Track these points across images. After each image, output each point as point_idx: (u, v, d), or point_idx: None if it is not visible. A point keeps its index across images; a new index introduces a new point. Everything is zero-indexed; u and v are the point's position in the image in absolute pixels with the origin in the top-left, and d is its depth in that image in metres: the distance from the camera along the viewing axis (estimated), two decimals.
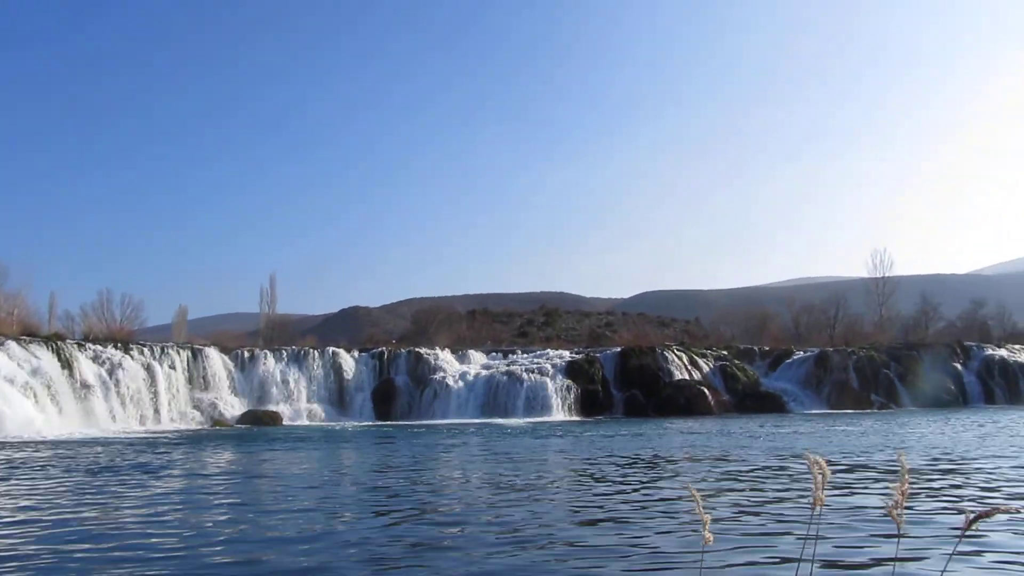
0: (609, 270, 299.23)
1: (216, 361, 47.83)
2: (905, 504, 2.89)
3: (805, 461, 2.96)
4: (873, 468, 14.84)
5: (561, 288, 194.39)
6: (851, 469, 14.68)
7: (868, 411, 50.38)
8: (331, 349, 53.15)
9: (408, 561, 7.36)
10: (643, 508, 10.35)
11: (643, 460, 17.55)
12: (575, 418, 47.44)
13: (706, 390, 51.94)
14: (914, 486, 11.91)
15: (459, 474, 15.96)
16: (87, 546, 8.23)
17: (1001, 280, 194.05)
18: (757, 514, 9.58)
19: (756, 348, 64.22)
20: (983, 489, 11.68)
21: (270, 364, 49.77)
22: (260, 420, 44.56)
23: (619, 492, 12.09)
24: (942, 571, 6.30)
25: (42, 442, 28.52)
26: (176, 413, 43.70)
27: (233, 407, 46.15)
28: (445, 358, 54.46)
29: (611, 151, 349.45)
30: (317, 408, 48.75)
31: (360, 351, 54.42)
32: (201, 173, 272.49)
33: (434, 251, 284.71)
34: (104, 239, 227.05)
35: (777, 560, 7.08)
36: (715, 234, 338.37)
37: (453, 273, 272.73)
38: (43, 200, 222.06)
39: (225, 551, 7.94)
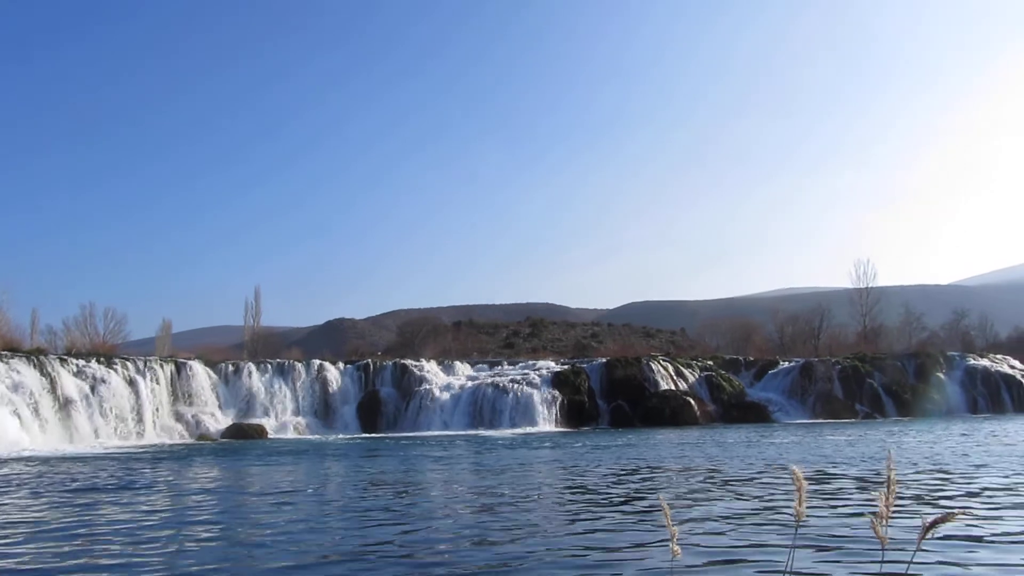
0: (595, 281, 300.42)
1: (200, 375, 47.51)
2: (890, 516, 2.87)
3: (788, 473, 2.96)
4: (857, 479, 14.88)
5: (547, 299, 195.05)
6: (835, 479, 14.71)
7: (853, 421, 50.55)
8: (316, 362, 52.91)
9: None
10: (622, 519, 10.34)
11: (626, 471, 17.53)
12: (561, 429, 47.37)
13: (692, 400, 52.03)
14: (899, 497, 11.95)
15: (447, 487, 15.90)
16: (69, 564, 8.13)
17: (983, 291, 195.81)
18: (736, 526, 9.57)
19: (741, 358, 64.46)
20: (968, 497, 11.73)
21: (255, 377, 49.47)
22: (245, 434, 44.24)
23: (599, 504, 12.08)
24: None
25: (23, 459, 28.19)
26: (160, 428, 43.35)
27: (218, 421, 45.82)
28: (431, 369, 54.33)
29: (596, 164, 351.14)
30: (302, 421, 48.47)
31: (345, 363, 54.21)
32: (185, 186, 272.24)
33: (420, 263, 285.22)
34: (87, 253, 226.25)
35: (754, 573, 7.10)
36: (700, 245, 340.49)
37: (439, 285, 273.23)
38: (26, 214, 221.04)
39: (210, 570, 7.86)
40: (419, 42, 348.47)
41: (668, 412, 50.32)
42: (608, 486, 14.90)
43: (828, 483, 14.16)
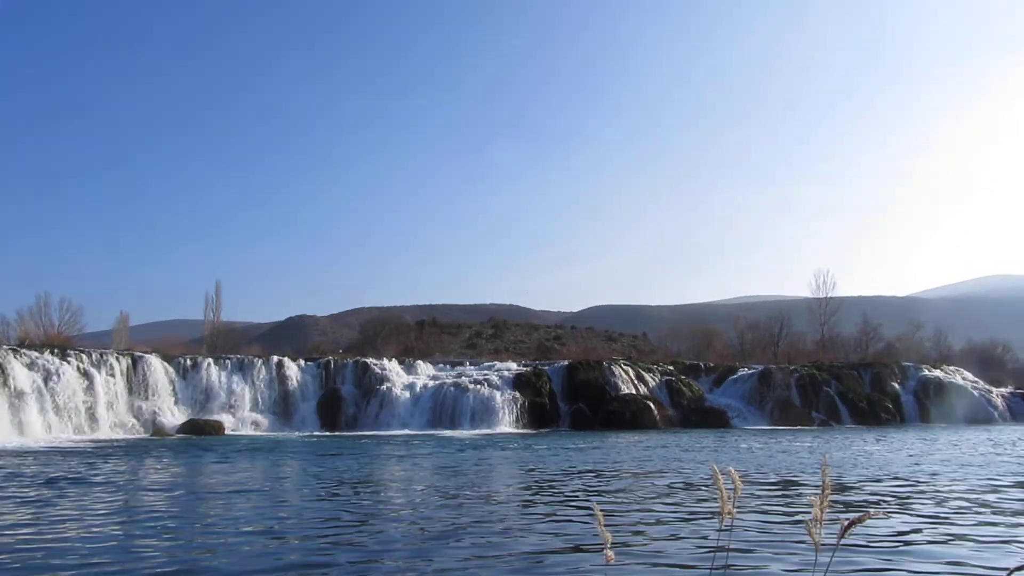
0: (559, 284, 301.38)
1: (157, 369, 46.78)
2: (826, 519, 2.90)
3: (712, 475, 2.97)
4: (805, 484, 15.12)
5: (511, 301, 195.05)
6: (786, 484, 14.93)
7: (809, 428, 51.25)
8: (276, 358, 52.37)
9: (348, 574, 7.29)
10: (568, 522, 10.39)
11: (582, 473, 17.62)
12: (522, 431, 47.43)
13: (652, 404, 52.39)
14: (844, 502, 12.17)
15: (405, 487, 15.86)
16: (14, 564, 7.99)
17: (938, 303, 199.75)
18: (675, 529, 9.68)
19: (702, 364, 65.05)
20: (920, 502, 11.97)
21: (213, 372, 48.83)
22: (202, 430, 43.66)
23: (548, 506, 12.13)
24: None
25: None
26: (115, 422, 42.60)
27: (174, 416, 45.16)
28: (392, 368, 54.07)
29: (561, 169, 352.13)
30: (261, 418, 47.94)
31: (306, 360, 53.74)
32: (147, 178, 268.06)
33: (383, 261, 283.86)
34: (44, 243, 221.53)
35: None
36: (663, 251, 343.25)
37: (402, 284, 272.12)
38: None
39: (161, 568, 7.77)
40: (390, 42, 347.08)
41: (628, 416, 50.61)
42: (561, 488, 14.97)
43: (787, 488, 14.37)
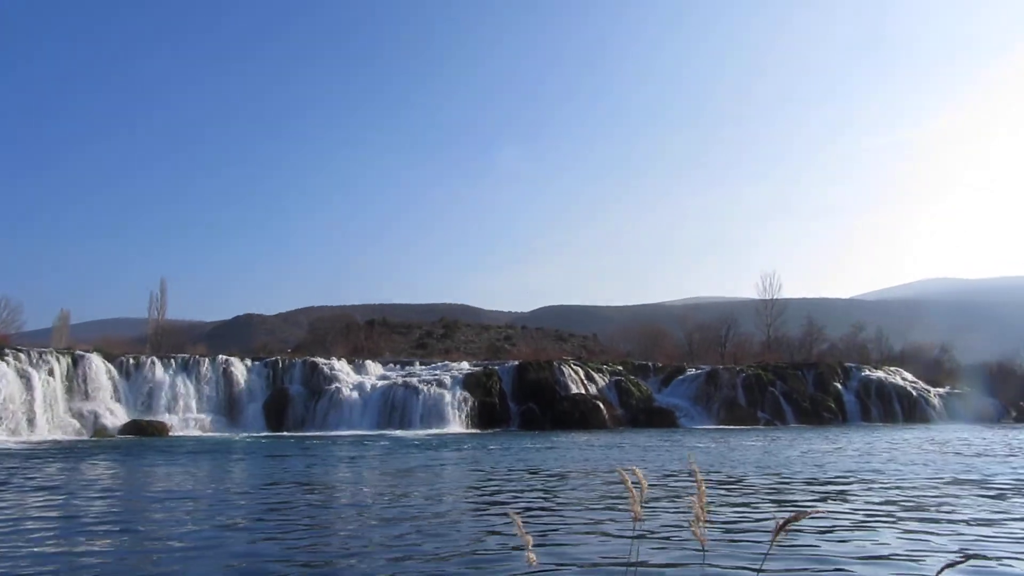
0: (510, 284, 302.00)
1: (99, 368, 45.73)
2: (706, 517, 2.92)
3: (624, 474, 2.99)
4: (748, 485, 15.38)
5: (462, 300, 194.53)
6: (730, 485, 15.16)
7: (754, 427, 52.13)
8: (223, 357, 51.57)
9: None
10: (505, 523, 10.44)
11: (527, 473, 17.69)
12: (472, 431, 47.43)
13: (601, 404, 52.79)
14: (770, 500, 12.42)
15: (352, 487, 15.75)
16: None
17: (880, 306, 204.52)
18: (593, 530, 9.77)
19: (650, 364, 65.76)
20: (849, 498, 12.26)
21: (157, 372, 47.92)
22: (145, 431, 42.80)
23: (488, 507, 12.17)
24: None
25: None
26: (54, 423, 41.49)
27: (116, 417, 44.17)
28: (341, 368, 53.64)
29: (513, 170, 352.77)
30: (206, 418, 47.17)
31: (253, 360, 53.03)
32: (89, 172, 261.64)
33: (333, 260, 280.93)
34: None
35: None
36: (615, 252, 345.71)
37: (352, 283, 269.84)
38: None
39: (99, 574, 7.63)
40: (323, 33, 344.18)
41: (578, 415, 50.93)
42: (506, 489, 15.01)
43: (728, 488, 14.59)
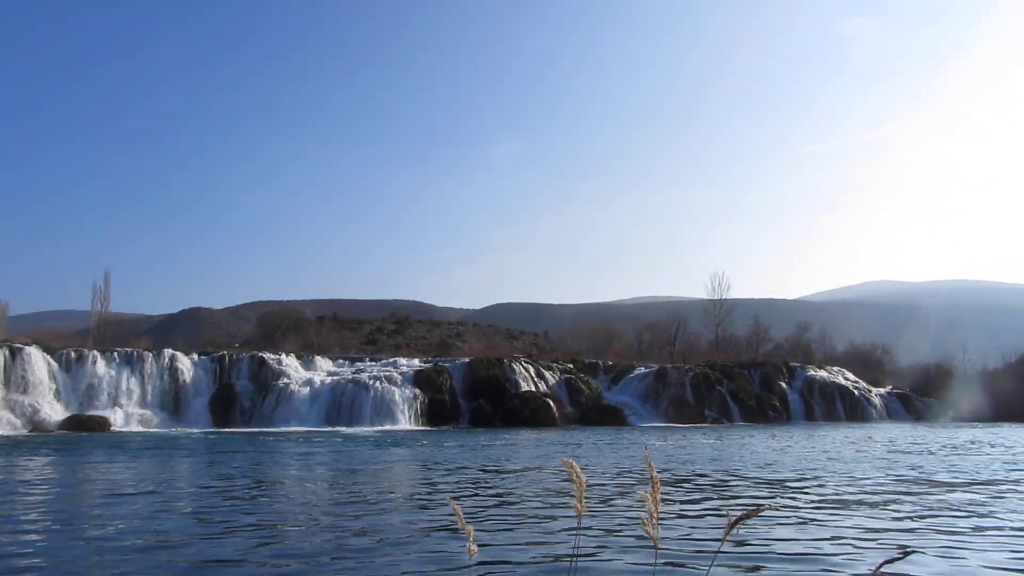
0: (461, 281, 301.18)
1: (38, 361, 44.52)
2: (659, 514, 2.87)
3: (564, 469, 2.96)
4: (693, 480, 15.55)
5: (413, 297, 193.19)
6: (677, 482, 15.30)
7: (702, 425, 52.82)
8: (168, 351, 50.56)
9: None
10: (449, 517, 10.40)
11: (474, 470, 17.67)
12: (422, 428, 47.27)
13: (551, 402, 52.99)
14: (721, 495, 12.57)
15: (302, 486, 15.54)
16: None
17: (825, 307, 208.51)
18: (536, 525, 9.81)
19: (600, 362, 66.17)
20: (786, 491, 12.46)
21: (99, 366, 46.85)
22: (85, 426, 41.80)
23: (433, 503, 12.10)
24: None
25: None
26: None
27: (55, 411, 43.09)
28: (290, 364, 53.00)
29: (468, 166, 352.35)
30: (150, 414, 46.24)
31: (199, 354, 52.12)
32: (31, 159, 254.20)
33: (282, 253, 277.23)
34: None
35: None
36: (566, 251, 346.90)
37: (302, 277, 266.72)
38: None
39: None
40: (289, 28, 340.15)
41: (528, 413, 51.06)
42: (449, 485, 14.96)
43: (677, 485, 14.71)
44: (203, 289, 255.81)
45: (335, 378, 51.58)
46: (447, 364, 56.27)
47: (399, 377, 51.74)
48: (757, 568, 7.69)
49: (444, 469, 19.08)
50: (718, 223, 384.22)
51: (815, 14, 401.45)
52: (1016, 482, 15.96)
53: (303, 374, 52.25)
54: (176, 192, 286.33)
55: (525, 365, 57.59)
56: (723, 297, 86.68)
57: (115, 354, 48.50)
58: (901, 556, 2.88)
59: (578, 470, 2.86)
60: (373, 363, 57.61)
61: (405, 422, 48.34)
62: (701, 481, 16.09)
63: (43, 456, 23.86)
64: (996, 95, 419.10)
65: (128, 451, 26.12)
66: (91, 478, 17.79)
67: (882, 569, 2.66)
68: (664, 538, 8.94)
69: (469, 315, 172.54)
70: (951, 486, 15.06)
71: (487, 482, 16.11)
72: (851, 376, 69.70)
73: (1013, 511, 11.73)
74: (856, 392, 65.60)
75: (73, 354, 47.11)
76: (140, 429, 43.75)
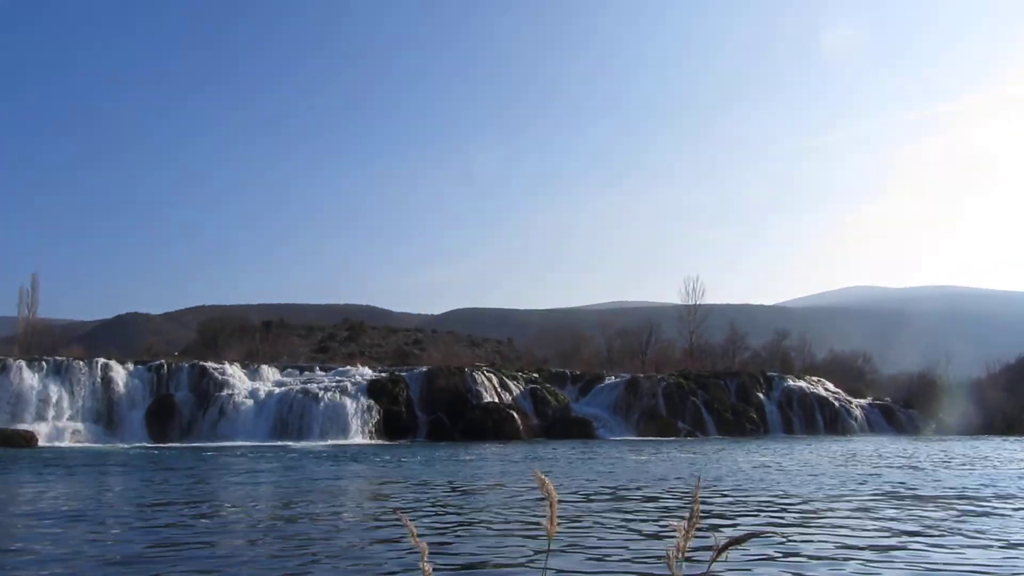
0: (420, 285, 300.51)
1: None
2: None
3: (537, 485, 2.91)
4: (663, 499, 15.63)
5: (367, 301, 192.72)
6: (650, 500, 15.37)
7: (675, 439, 53.11)
8: (100, 360, 49.77)
9: None
10: (400, 535, 10.36)
11: (428, 487, 17.61)
12: (376, 442, 47.00)
13: (515, 414, 52.97)
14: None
15: (242, 507, 15.36)
16: None
17: (803, 313, 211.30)
18: (498, 545, 9.80)
19: (568, 372, 66.27)
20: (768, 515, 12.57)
21: (25, 376, 45.97)
22: (10, 440, 40.95)
23: (380, 521, 12.03)
24: None
25: None
26: None
27: None
28: (234, 373, 52.40)
29: (425, 162, 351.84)
30: (81, 427, 45.46)
31: (135, 364, 51.37)
32: None
33: (225, 254, 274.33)
34: None
35: None
36: (533, 254, 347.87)
37: (247, 280, 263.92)
38: None
39: None
40: (247, 28, 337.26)
41: (490, 426, 50.98)
42: (408, 504, 14.90)
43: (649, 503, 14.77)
44: (140, 293, 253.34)
45: (283, 389, 51.11)
46: (404, 373, 56.03)
47: (352, 387, 51.40)
48: None
49: (404, 487, 18.99)
50: (695, 227, 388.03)
51: (797, 20, 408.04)
52: (1003, 498, 16.26)
53: (248, 384, 51.70)
54: (109, 189, 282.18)
55: (488, 375, 57.54)
56: (697, 303, 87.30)
57: (43, 363, 47.62)
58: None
59: (550, 486, 2.81)
60: (324, 373, 57.20)
61: (358, 436, 48.01)
62: (679, 498, 16.16)
63: None
64: (982, 98, 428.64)
65: (56, 468, 25.65)
66: (14, 499, 17.43)
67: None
68: (644, 559, 8.96)
69: (428, 321, 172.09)
70: (937, 501, 15.29)
71: (450, 501, 16.05)
72: (831, 387, 70.49)
73: (1000, 528, 11.94)
74: (836, 403, 66.32)
75: None
76: (70, 444, 42.99)
